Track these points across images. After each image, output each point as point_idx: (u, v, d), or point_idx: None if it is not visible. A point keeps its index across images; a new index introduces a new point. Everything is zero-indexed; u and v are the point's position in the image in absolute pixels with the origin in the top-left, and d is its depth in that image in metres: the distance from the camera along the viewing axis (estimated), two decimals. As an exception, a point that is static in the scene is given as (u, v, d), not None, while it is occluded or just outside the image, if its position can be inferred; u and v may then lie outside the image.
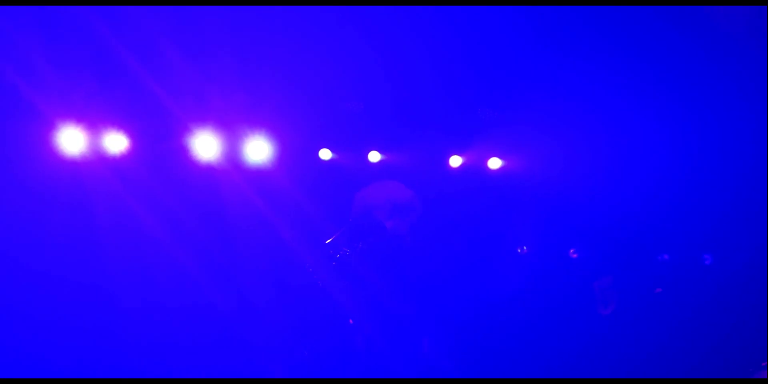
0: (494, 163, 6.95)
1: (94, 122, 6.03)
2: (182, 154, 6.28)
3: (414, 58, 5.95)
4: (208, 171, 6.36)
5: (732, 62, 5.80)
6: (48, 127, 5.90)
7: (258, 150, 6.40)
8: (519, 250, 6.19)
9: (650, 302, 5.57)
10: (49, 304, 5.89)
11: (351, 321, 4.08)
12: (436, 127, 6.67)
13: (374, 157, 6.77)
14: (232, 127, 6.32)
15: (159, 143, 6.28)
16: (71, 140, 5.98)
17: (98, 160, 6.09)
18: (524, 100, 6.29)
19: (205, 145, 6.27)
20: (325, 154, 6.68)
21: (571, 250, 5.94)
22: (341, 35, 5.64)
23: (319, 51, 5.74)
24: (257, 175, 6.43)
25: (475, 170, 6.96)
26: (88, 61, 5.70)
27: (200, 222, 6.37)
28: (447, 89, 6.35)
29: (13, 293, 5.82)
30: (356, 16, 5.43)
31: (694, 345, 4.88)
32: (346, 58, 5.85)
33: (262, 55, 5.81)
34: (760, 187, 5.93)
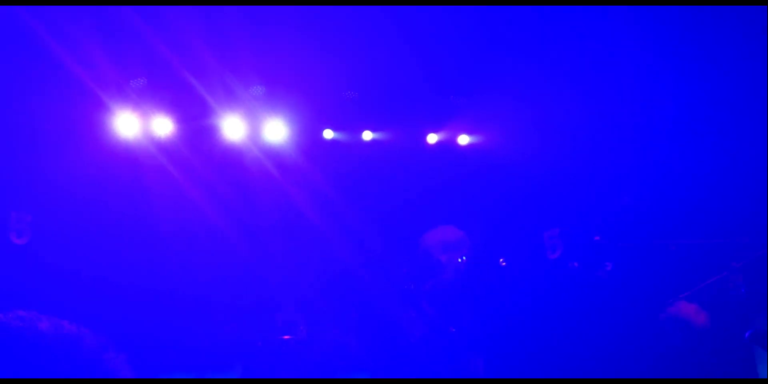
0: (463, 139, 7.36)
1: (145, 110, 6.66)
2: (215, 134, 6.85)
3: (398, 56, 6.41)
4: (235, 148, 6.91)
5: (732, 62, 5.61)
6: (109, 114, 6.59)
7: (275, 130, 6.88)
8: (459, 260, 5.67)
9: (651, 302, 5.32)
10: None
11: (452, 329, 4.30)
12: (417, 112, 7.08)
13: (367, 135, 7.20)
14: (254, 112, 6.81)
15: (196, 126, 6.83)
16: (128, 124, 6.65)
17: (148, 140, 6.74)
18: (487, 89, 6.75)
19: (233, 127, 6.79)
20: (327, 133, 7.10)
21: (501, 260, 5.51)
22: (339, 38, 6.19)
23: (322, 52, 6.29)
24: (274, 150, 6.96)
25: (447, 145, 7.37)
26: (141, 61, 6.34)
27: (229, 187, 6.92)
28: (425, 81, 6.82)
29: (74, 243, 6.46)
30: (351, 21, 5.96)
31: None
32: (343, 57, 6.39)
33: (278, 55, 6.35)
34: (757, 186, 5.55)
